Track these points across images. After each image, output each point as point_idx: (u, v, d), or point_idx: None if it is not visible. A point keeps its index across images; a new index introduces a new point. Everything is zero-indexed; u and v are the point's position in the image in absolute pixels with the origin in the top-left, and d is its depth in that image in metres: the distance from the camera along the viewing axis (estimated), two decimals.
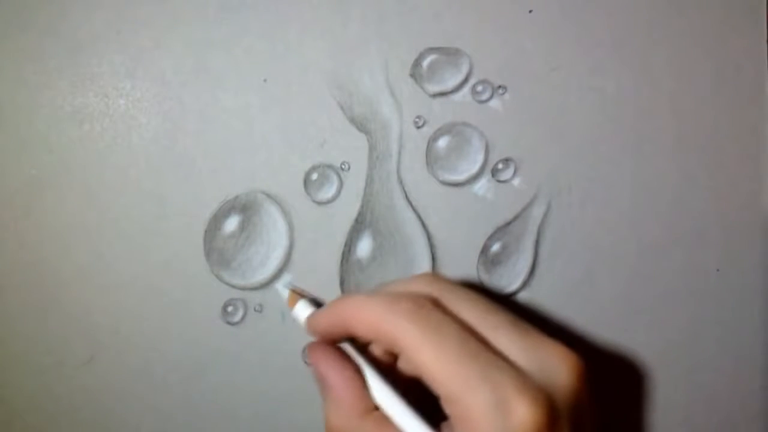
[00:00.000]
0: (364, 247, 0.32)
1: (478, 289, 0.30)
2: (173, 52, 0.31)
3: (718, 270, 0.33)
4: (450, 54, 0.32)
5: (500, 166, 0.32)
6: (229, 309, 0.32)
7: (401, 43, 0.32)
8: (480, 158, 0.32)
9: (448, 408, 0.21)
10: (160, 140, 0.31)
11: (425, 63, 0.32)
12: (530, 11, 0.32)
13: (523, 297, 0.32)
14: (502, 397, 0.20)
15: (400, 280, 0.26)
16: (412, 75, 0.32)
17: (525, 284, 0.32)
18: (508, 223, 0.32)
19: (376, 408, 0.23)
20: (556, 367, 0.22)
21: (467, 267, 0.32)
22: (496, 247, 0.32)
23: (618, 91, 0.32)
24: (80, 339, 0.32)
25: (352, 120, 0.32)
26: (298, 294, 0.30)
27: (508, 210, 0.32)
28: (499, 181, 0.32)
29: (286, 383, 0.32)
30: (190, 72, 0.31)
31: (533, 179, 0.32)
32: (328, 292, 0.32)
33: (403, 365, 0.26)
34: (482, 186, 0.32)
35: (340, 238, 0.32)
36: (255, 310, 0.32)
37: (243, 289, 0.32)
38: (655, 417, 0.33)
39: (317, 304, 0.30)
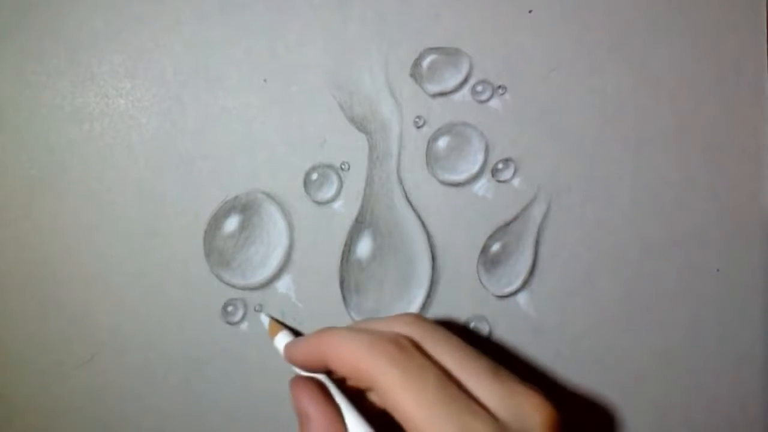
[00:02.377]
0: (364, 247, 0.32)
1: (459, 331, 0.31)
2: (173, 52, 0.31)
3: (718, 270, 0.33)
4: (450, 54, 0.32)
5: (500, 166, 0.32)
6: (229, 309, 0.32)
7: (401, 43, 0.32)
8: (480, 158, 0.32)
9: None
10: (159, 140, 0.31)
11: (425, 63, 0.32)
12: (530, 11, 0.32)
13: (523, 297, 0.32)
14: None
15: (381, 319, 0.26)
16: (412, 75, 0.32)
17: (525, 284, 0.32)
18: (508, 223, 0.32)
19: None
20: (531, 416, 0.22)
21: (467, 267, 0.32)
22: (496, 247, 0.32)
23: (618, 91, 0.32)
24: (80, 338, 0.32)
25: (352, 120, 0.32)
26: (278, 324, 0.31)
27: (508, 210, 0.32)
28: (499, 181, 0.32)
29: (285, 383, 0.32)
30: (190, 72, 0.31)
31: (533, 179, 0.32)
32: (329, 291, 0.32)
33: (375, 399, 0.26)
34: (482, 186, 0.32)
35: (340, 238, 0.32)
36: (255, 309, 0.32)
37: (243, 288, 0.32)
38: (655, 417, 0.33)
39: (297, 334, 0.30)
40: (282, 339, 0.30)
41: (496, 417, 0.22)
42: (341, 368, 0.24)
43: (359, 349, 0.23)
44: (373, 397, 0.26)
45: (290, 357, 0.27)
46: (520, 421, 0.22)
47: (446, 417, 0.21)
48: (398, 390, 0.22)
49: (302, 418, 0.25)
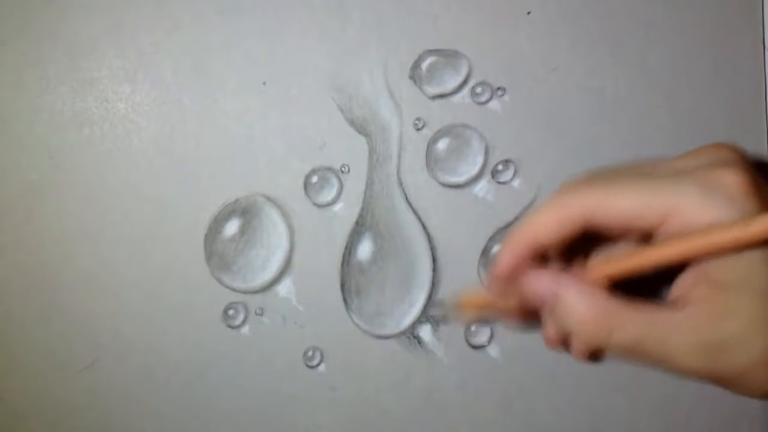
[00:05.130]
0: (364, 249, 0.32)
1: None
2: (172, 56, 0.31)
3: None
4: (449, 56, 0.32)
5: (500, 167, 0.32)
6: (230, 312, 0.32)
7: (400, 45, 0.32)
8: (480, 160, 0.32)
9: (663, 231, 0.21)
10: (159, 144, 0.32)
11: (424, 65, 0.32)
12: (528, 13, 0.32)
13: None
14: (704, 181, 0.20)
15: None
16: (412, 77, 0.32)
17: None
18: (509, 225, 0.32)
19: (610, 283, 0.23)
20: (727, 153, 0.22)
21: (468, 269, 0.32)
22: (497, 249, 0.32)
23: (616, 92, 0.32)
24: (82, 343, 0.32)
25: (352, 122, 0.32)
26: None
27: (509, 211, 0.32)
28: (499, 183, 0.32)
29: (286, 386, 0.32)
30: (189, 76, 0.31)
31: (533, 180, 0.32)
32: (329, 294, 0.32)
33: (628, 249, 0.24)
34: (482, 187, 0.32)
35: (341, 241, 0.32)
36: (256, 313, 0.32)
37: (244, 292, 0.32)
38: (655, 417, 0.33)
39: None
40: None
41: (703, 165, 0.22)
42: (620, 214, 0.22)
43: (646, 187, 0.21)
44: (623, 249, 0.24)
45: (528, 234, 0.23)
46: (720, 160, 0.22)
47: (660, 185, 0.21)
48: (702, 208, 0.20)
49: (548, 301, 0.23)
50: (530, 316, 0.25)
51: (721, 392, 0.33)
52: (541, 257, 0.24)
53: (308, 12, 0.31)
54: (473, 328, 0.32)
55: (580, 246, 0.24)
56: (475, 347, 0.32)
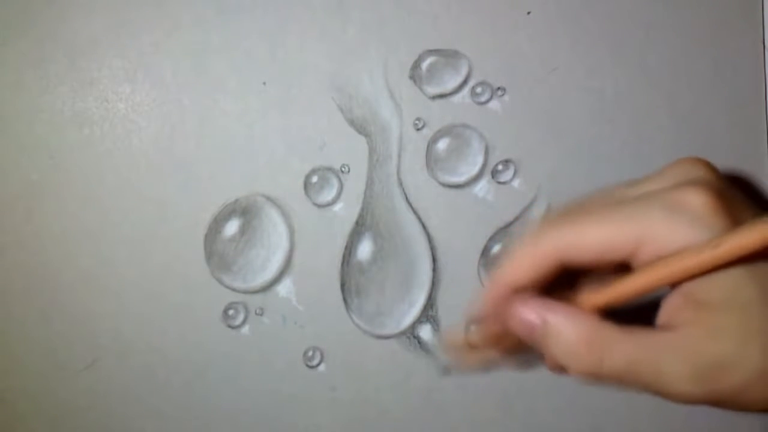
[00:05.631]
0: (364, 249, 0.32)
1: None
2: (172, 56, 0.31)
3: None
4: (449, 56, 0.32)
5: (500, 167, 0.32)
6: (230, 312, 0.32)
7: (400, 45, 0.32)
8: (480, 160, 0.32)
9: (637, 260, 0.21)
10: (159, 144, 0.32)
11: (424, 65, 0.32)
12: (528, 13, 0.32)
13: None
14: (669, 203, 0.20)
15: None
16: (412, 77, 0.32)
17: None
18: (509, 225, 0.32)
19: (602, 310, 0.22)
20: (693, 170, 0.22)
21: (468, 269, 0.32)
22: (497, 249, 0.32)
23: (616, 92, 0.32)
24: (82, 343, 0.32)
25: (352, 122, 0.32)
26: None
27: (509, 211, 0.32)
28: (499, 183, 0.32)
29: (287, 386, 0.32)
30: (189, 75, 0.31)
31: (533, 180, 0.32)
32: (329, 294, 0.32)
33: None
34: (482, 187, 0.32)
35: (341, 241, 0.32)
36: (256, 313, 0.32)
37: (244, 292, 0.32)
38: (655, 417, 0.33)
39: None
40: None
41: (669, 187, 0.22)
42: (591, 250, 0.21)
43: (613, 219, 0.21)
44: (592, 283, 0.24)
45: (508, 276, 0.23)
46: (688, 177, 0.22)
47: (628, 210, 0.21)
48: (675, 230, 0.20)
49: (537, 328, 0.22)
50: (522, 348, 0.25)
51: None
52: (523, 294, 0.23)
53: (308, 12, 0.31)
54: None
55: (562, 280, 0.24)
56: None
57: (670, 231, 0.20)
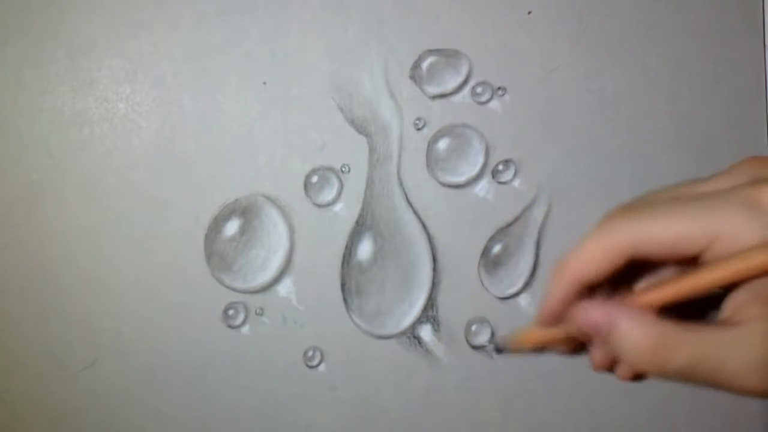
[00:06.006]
0: (364, 249, 0.32)
1: None
2: (172, 56, 0.31)
3: None
4: (449, 56, 0.32)
5: (500, 167, 0.32)
6: (230, 312, 0.32)
7: (400, 45, 0.32)
8: (480, 160, 0.32)
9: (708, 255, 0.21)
10: (159, 144, 0.31)
11: (425, 65, 0.32)
12: (529, 13, 0.32)
13: (525, 298, 0.32)
14: (746, 200, 0.20)
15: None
16: (412, 77, 0.32)
17: (526, 285, 0.32)
18: (509, 225, 0.32)
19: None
20: (763, 169, 0.22)
21: (468, 269, 0.32)
22: (497, 249, 0.32)
23: (616, 92, 0.32)
24: (83, 342, 0.32)
25: (352, 122, 0.32)
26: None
27: (509, 211, 0.32)
28: (499, 183, 0.32)
29: (286, 385, 0.32)
30: (189, 76, 0.31)
31: (533, 180, 0.32)
32: (329, 294, 0.32)
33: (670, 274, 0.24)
34: (483, 187, 0.32)
35: (341, 241, 0.32)
36: (256, 313, 0.32)
37: (244, 292, 0.32)
38: (655, 417, 0.33)
39: None
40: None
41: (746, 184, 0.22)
42: (664, 243, 0.22)
43: (687, 212, 0.21)
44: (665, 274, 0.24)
45: (565, 275, 0.23)
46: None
47: (707, 206, 0.21)
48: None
49: (603, 329, 0.22)
50: (581, 345, 0.25)
51: (721, 392, 0.33)
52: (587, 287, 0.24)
53: (309, 12, 0.31)
54: (473, 327, 0.32)
55: (623, 274, 0.24)
56: (475, 347, 0.32)
57: (746, 227, 0.20)
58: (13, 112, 0.31)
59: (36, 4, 0.31)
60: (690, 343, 0.21)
